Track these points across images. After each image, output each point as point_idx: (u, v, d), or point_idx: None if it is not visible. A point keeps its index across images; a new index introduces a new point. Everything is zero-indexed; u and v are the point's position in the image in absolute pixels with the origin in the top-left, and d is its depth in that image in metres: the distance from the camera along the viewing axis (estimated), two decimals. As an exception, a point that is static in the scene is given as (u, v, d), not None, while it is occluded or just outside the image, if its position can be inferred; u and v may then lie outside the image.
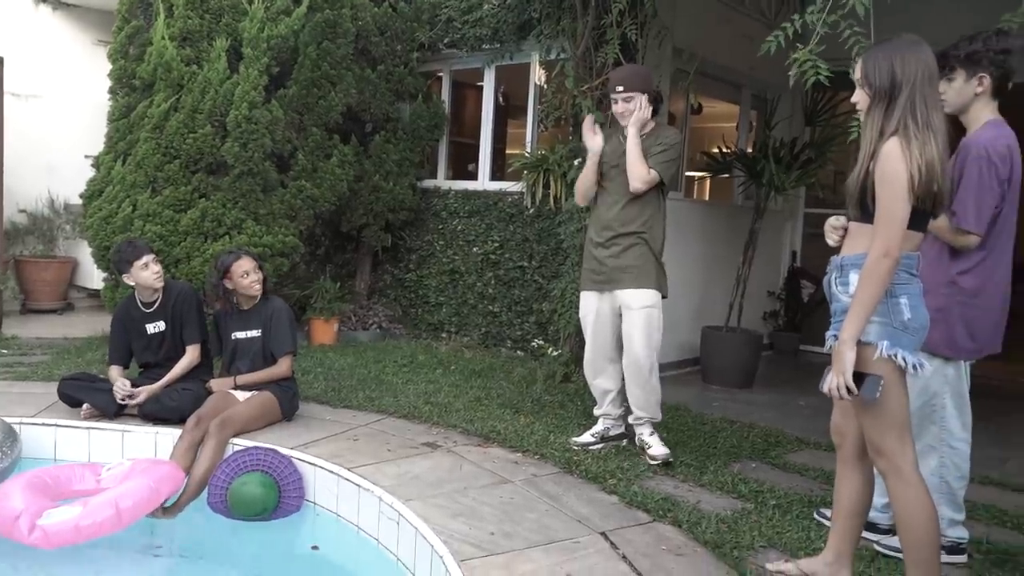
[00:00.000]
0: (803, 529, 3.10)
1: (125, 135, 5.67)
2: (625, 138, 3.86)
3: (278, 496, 3.44)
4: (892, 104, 2.31)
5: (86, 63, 8.09)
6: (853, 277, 2.39)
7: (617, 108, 3.86)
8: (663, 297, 3.92)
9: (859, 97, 2.44)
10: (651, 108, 3.86)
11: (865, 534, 2.97)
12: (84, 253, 7.82)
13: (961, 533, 2.95)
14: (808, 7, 2.79)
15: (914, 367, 2.34)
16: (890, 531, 3.05)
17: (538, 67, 6.35)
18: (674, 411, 4.75)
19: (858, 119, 3.06)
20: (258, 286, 4.23)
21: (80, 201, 7.50)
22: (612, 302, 3.95)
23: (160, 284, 4.29)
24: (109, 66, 5.91)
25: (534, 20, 5.94)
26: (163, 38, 5.43)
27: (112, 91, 5.85)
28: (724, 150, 6.36)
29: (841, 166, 7.27)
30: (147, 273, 4.22)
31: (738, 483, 3.60)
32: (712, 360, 5.98)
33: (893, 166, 2.25)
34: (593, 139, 3.95)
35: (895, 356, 2.31)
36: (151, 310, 4.31)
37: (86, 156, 7.79)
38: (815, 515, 3.24)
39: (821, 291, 7.86)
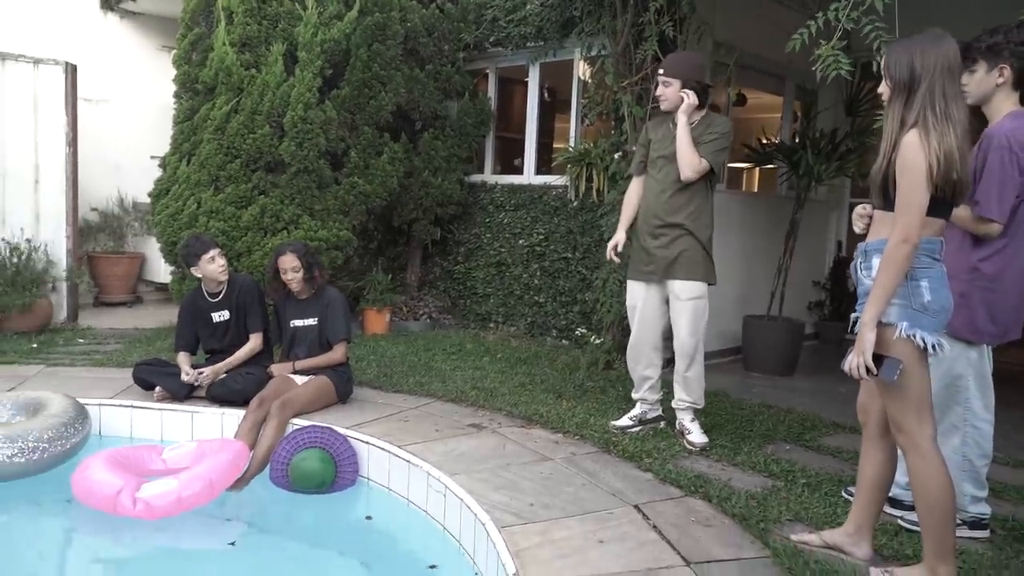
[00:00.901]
0: (830, 505, 3.23)
1: (189, 136, 6.01)
2: (675, 125, 3.97)
3: (335, 471, 3.70)
4: (912, 96, 2.43)
5: (151, 68, 8.51)
6: (875, 261, 2.51)
7: (658, 91, 4.00)
8: (711, 285, 4.05)
9: (884, 89, 2.56)
10: (695, 97, 3.90)
11: (890, 510, 3.10)
12: (151, 249, 8.25)
13: (984, 509, 3.04)
14: (832, 3, 2.92)
15: (933, 347, 2.45)
16: (914, 507, 3.17)
17: (582, 63, 6.51)
18: (713, 397, 4.88)
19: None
20: (296, 284, 4.46)
21: (147, 199, 7.95)
22: (661, 292, 4.07)
23: (225, 276, 4.59)
24: (172, 70, 6.26)
25: (576, 18, 6.11)
26: (224, 44, 5.74)
27: (177, 95, 6.19)
28: (764, 141, 6.43)
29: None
30: (213, 266, 4.52)
31: (770, 463, 3.73)
32: (753, 348, 6.08)
33: (913, 156, 2.37)
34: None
35: (914, 336, 2.43)
36: (216, 300, 4.62)
37: (152, 157, 8.22)
38: (843, 493, 3.36)
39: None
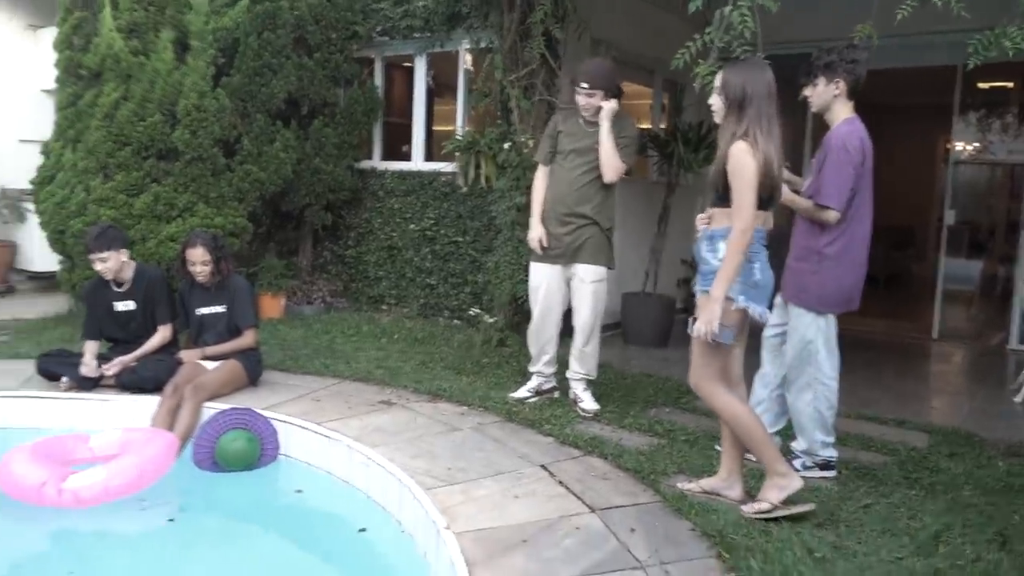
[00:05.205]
0: (707, 458, 3.72)
1: (74, 123, 5.90)
2: (584, 121, 4.32)
3: (260, 449, 3.89)
4: (742, 113, 3.00)
5: (17, 47, 8.14)
6: (721, 245, 3.05)
7: (580, 100, 4.27)
8: (611, 269, 4.45)
9: (715, 102, 3.13)
10: (616, 103, 4.26)
11: (749, 456, 3.61)
12: (23, 237, 7.97)
13: (832, 453, 3.61)
14: (704, 26, 3.35)
15: (760, 315, 3.09)
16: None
17: (467, 56, 6.81)
18: (599, 368, 5.32)
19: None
20: (203, 277, 4.57)
21: (17, 185, 7.66)
22: (564, 274, 4.42)
23: (110, 277, 4.59)
24: (42, 50, 6.07)
25: (463, 12, 6.39)
26: (111, 30, 5.67)
27: (59, 80, 6.05)
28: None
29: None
30: (99, 267, 4.53)
31: (654, 424, 4.22)
32: (631, 323, 6.61)
33: (744, 163, 2.95)
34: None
35: (750, 308, 3.04)
36: (121, 290, 4.65)
37: (21, 140, 7.93)
38: (716, 447, 3.86)
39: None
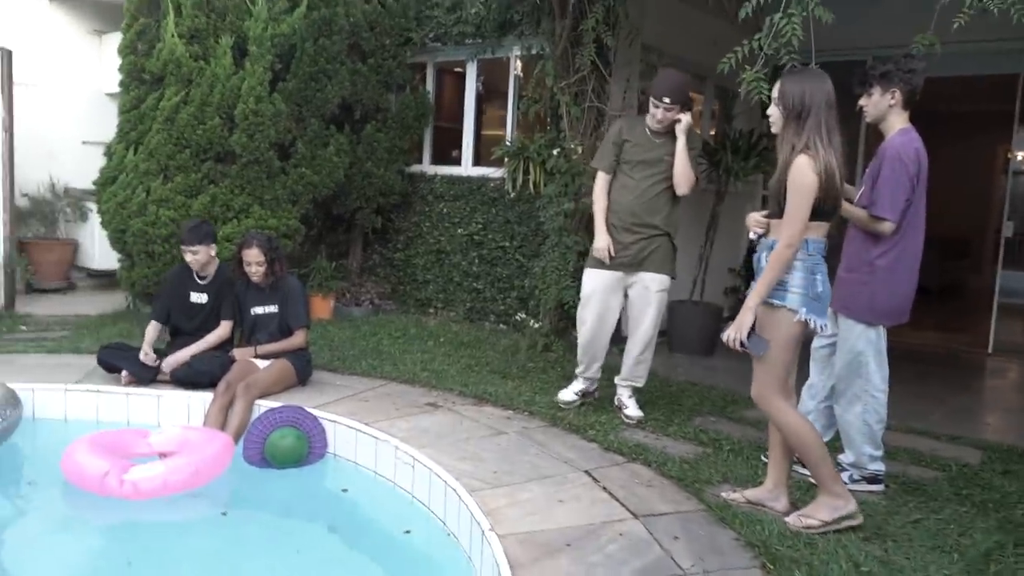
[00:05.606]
0: (752, 468, 3.71)
1: (136, 125, 6.08)
2: (651, 132, 4.30)
3: (308, 447, 3.98)
4: (802, 124, 2.94)
5: (82, 52, 8.41)
6: None
7: (657, 114, 4.21)
8: (673, 279, 4.45)
9: (773, 112, 3.06)
10: (690, 115, 4.27)
11: (800, 469, 3.59)
12: (85, 235, 8.23)
13: (879, 467, 3.57)
14: (755, 33, 3.35)
15: (821, 327, 3.05)
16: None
17: (518, 62, 6.86)
18: (644, 375, 5.35)
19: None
20: (257, 277, 4.71)
21: (79, 186, 7.93)
22: (622, 282, 4.39)
23: (196, 268, 4.83)
24: (105, 55, 6.26)
25: (515, 19, 6.44)
26: (173, 36, 5.84)
27: (123, 84, 6.24)
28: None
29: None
30: (188, 258, 4.78)
31: (699, 433, 4.21)
32: (677, 331, 6.58)
33: (803, 177, 2.89)
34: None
35: (810, 321, 3.00)
36: (203, 282, 4.87)
37: (84, 142, 8.21)
38: (762, 457, 3.84)
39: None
